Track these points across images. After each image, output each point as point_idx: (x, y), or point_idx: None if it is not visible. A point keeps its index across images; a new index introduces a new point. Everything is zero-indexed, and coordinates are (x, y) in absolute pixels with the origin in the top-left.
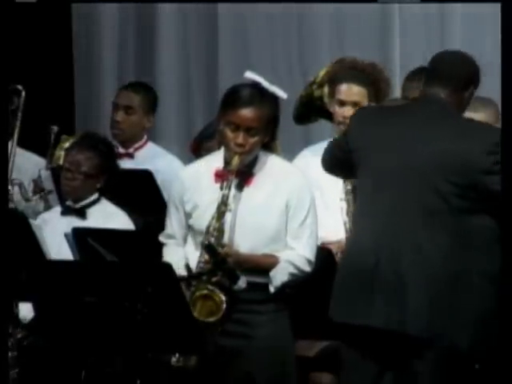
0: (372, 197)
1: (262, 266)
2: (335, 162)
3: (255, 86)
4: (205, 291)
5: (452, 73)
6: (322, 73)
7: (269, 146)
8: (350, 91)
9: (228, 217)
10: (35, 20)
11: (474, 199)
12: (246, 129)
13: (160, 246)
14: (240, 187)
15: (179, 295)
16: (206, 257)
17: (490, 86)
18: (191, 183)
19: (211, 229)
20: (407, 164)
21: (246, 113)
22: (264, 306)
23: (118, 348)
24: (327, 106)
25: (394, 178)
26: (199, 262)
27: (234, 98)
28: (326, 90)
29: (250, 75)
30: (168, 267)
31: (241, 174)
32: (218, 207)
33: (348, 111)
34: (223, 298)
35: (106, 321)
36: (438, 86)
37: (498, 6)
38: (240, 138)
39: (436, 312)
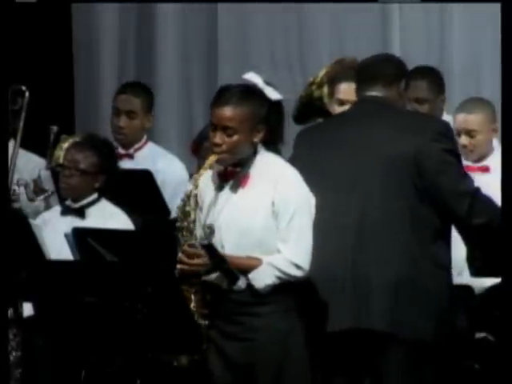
0: (325, 209)
1: (242, 268)
2: None
3: (241, 86)
4: None
5: (377, 70)
6: (321, 73)
7: (274, 148)
8: (349, 90)
9: (221, 218)
10: (35, 20)
11: (425, 190)
12: (222, 128)
13: (160, 247)
14: (235, 189)
15: (179, 295)
16: (186, 258)
17: (490, 86)
18: (204, 186)
19: (183, 230)
20: (357, 166)
21: (222, 112)
22: (261, 308)
23: (118, 348)
24: (327, 106)
25: (346, 184)
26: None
27: (215, 98)
28: (325, 90)
29: (248, 76)
30: (168, 267)
31: (236, 175)
32: (182, 207)
33: (338, 110)
34: (191, 288)
35: (105, 321)
36: (369, 86)
37: (497, 6)
38: (217, 138)
39: (400, 307)
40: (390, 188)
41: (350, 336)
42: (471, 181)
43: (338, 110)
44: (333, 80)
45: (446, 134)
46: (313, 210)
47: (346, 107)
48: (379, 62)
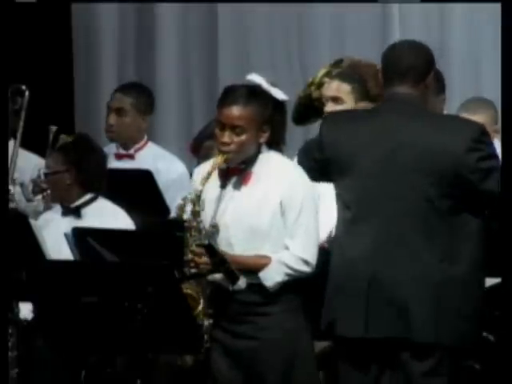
0: (358, 206)
1: (251, 267)
2: (311, 174)
3: (248, 86)
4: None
5: (408, 65)
6: (320, 73)
7: (277, 148)
8: (335, 88)
9: (225, 215)
10: (35, 20)
11: (462, 198)
12: (231, 127)
13: (160, 246)
14: (238, 186)
15: (179, 295)
16: (197, 257)
17: (490, 86)
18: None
19: (192, 229)
20: (391, 171)
21: (230, 111)
22: (269, 308)
23: (118, 348)
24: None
25: (379, 186)
26: (187, 261)
27: (222, 98)
28: (323, 90)
29: (252, 77)
30: (168, 267)
31: (240, 173)
32: (192, 206)
33: (330, 107)
34: (197, 288)
35: (106, 321)
36: (399, 82)
37: (498, 6)
38: (225, 137)
39: (441, 316)
40: (423, 192)
41: (382, 342)
42: None
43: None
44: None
45: (481, 138)
46: (317, 207)
47: (329, 104)
48: (407, 54)
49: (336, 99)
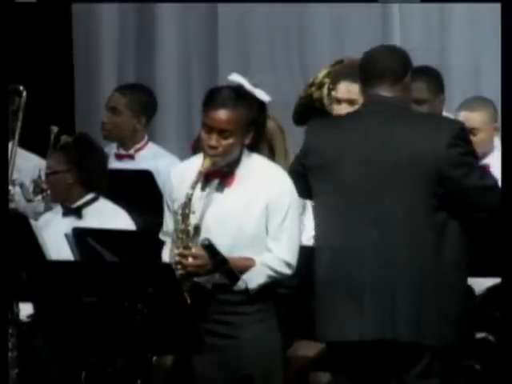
0: (345, 209)
1: (239, 269)
2: (302, 191)
3: (233, 88)
4: None
5: (386, 66)
6: (321, 74)
7: (257, 148)
8: (347, 90)
9: (208, 217)
10: (35, 20)
11: (445, 197)
12: (219, 131)
13: (160, 247)
14: (221, 188)
15: (179, 295)
16: (184, 260)
17: (490, 86)
18: (178, 182)
19: (177, 232)
20: (376, 173)
21: (219, 115)
22: (247, 307)
23: (118, 348)
24: (326, 107)
25: (365, 189)
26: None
27: (208, 100)
28: (325, 91)
29: (234, 78)
30: (168, 267)
31: (222, 175)
32: (182, 209)
33: (344, 109)
34: (187, 297)
35: (106, 321)
36: (378, 84)
37: (497, 6)
38: (213, 140)
39: (425, 315)
40: (406, 194)
41: (369, 345)
42: (492, 174)
43: (335, 108)
44: (333, 80)
45: (462, 136)
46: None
47: (343, 106)
48: (383, 56)
49: (351, 101)
